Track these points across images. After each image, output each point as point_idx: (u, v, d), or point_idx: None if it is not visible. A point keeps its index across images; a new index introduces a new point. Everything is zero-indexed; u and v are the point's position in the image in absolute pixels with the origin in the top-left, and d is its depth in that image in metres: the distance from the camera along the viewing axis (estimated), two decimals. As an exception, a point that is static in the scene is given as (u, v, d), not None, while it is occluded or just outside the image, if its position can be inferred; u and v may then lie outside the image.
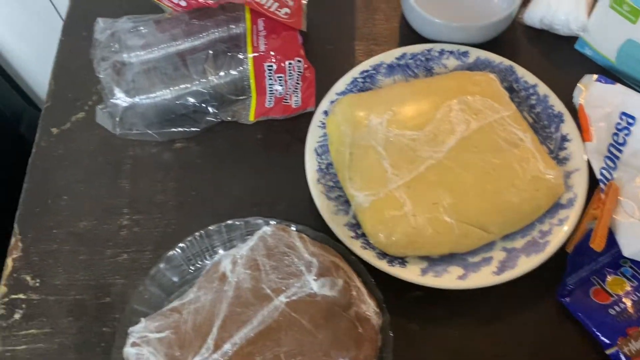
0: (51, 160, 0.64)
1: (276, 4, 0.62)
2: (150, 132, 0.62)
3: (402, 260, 0.55)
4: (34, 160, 0.64)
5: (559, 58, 0.69)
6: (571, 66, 0.68)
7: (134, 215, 0.61)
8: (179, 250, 0.55)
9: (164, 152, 0.64)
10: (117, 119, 0.62)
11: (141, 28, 0.63)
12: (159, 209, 0.61)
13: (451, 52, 0.65)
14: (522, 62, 0.65)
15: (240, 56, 0.62)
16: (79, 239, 0.60)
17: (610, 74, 0.66)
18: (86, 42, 0.71)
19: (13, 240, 0.60)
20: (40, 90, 1.44)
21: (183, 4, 0.63)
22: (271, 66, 0.62)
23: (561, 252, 0.55)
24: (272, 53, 0.61)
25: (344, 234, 0.55)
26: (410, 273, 0.54)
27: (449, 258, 0.55)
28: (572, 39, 0.68)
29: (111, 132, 0.63)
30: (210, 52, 0.61)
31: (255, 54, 0.62)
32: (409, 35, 0.70)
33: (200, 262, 0.56)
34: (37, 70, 1.40)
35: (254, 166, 0.63)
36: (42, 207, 0.61)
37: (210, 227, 0.56)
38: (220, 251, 0.56)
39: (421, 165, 0.56)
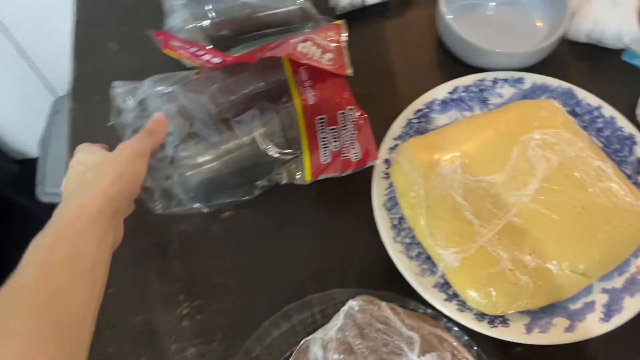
0: (87, 249, 0.57)
1: (319, 51, 0.56)
2: (196, 205, 0.56)
3: (503, 319, 0.51)
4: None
5: (608, 72, 0.66)
6: (623, 79, 0.65)
7: (193, 302, 0.54)
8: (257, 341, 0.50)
9: (213, 223, 0.58)
10: (157, 193, 0.56)
11: (170, 89, 0.57)
12: (220, 290, 0.55)
13: (505, 80, 0.61)
14: (572, 80, 0.62)
15: (288, 109, 0.56)
16: (137, 336, 0.53)
17: (666, 85, 0.63)
18: (101, 107, 0.65)
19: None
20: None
21: (216, 60, 0.56)
22: (322, 119, 0.56)
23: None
24: (321, 104, 0.56)
25: (436, 297, 0.51)
26: (516, 332, 0.50)
27: (550, 307, 0.52)
28: (619, 51, 0.66)
29: (150, 209, 0.56)
30: (257, 110, 0.56)
31: (304, 107, 0.56)
32: (450, 64, 0.66)
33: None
34: (9, 122, 1.30)
35: (314, 228, 0.58)
36: (87, 305, 0.54)
37: (285, 308, 0.51)
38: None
39: (508, 212, 0.52)
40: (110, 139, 0.63)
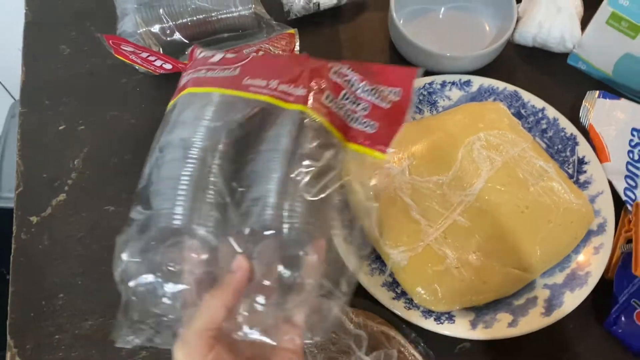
0: (37, 254, 0.57)
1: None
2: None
3: (449, 316, 0.52)
4: (16, 257, 0.57)
5: (553, 75, 0.68)
6: (567, 81, 0.67)
7: (145, 305, 0.54)
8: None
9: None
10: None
11: None
12: (173, 293, 0.55)
13: (453, 83, 0.63)
14: (518, 82, 0.64)
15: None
16: (88, 341, 0.53)
17: (608, 87, 0.66)
18: (51, 111, 0.64)
19: (8, 355, 0.52)
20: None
21: (168, 66, 0.57)
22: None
23: (601, 279, 0.54)
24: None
25: (384, 296, 0.52)
26: (461, 328, 0.51)
27: (494, 304, 0.53)
28: (564, 55, 0.68)
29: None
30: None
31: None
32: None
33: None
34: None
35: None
36: (37, 311, 0.54)
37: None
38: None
39: (454, 212, 0.53)
40: (61, 144, 0.63)
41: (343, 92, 0.43)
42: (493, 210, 0.53)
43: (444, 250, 0.52)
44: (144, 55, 0.57)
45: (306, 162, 0.40)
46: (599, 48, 0.63)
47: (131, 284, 0.42)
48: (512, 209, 0.53)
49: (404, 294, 0.53)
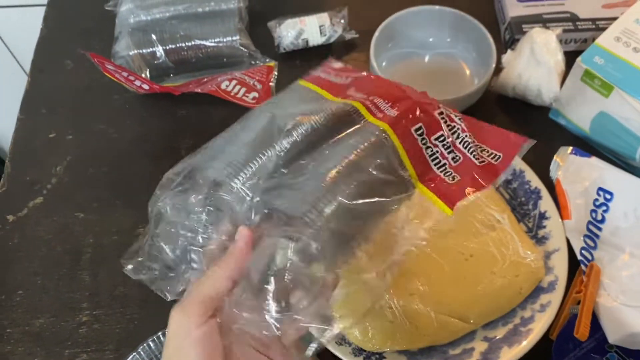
0: (6, 250, 0.60)
1: (243, 89, 0.58)
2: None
3: (380, 356, 0.52)
4: (-13, 252, 0.61)
5: (533, 127, 0.67)
6: (546, 136, 0.67)
7: (94, 311, 0.57)
8: (142, 353, 0.52)
9: (126, 238, 0.61)
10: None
11: None
12: (121, 302, 0.57)
13: (423, 126, 0.63)
14: (496, 132, 0.64)
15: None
16: (35, 338, 0.56)
17: (585, 144, 0.65)
18: (45, 120, 0.69)
19: (-38, 343, 0.56)
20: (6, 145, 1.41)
21: (145, 87, 0.60)
22: (420, 128, 0.42)
23: (545, 338, 0.52)
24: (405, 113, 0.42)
25: (316, 330, 0.52)
26: (389, 370, 0.51)
27: (429, 350, 0.52)
28: (546, 108, 0.67)
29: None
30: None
31: (391, 123, 0.42)
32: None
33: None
34: (2, 126, 1.37)
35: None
36: (-5, 304, 0.58)
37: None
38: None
39: (397, 252, 0.53)
40: (48, 151, 0.67)
41: (440, 133, 0.41)
42: (437, 255, 0.53)
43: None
44: (125, 74, 0.61)
45: (361, 176, 0.38)
46: (576, 104, 0.63)
47: (165, 218, 0.41)
48: (456, 255, 0.53)
49: (337, 329, 0.53)
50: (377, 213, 0.41)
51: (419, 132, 0.40)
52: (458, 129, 0.41)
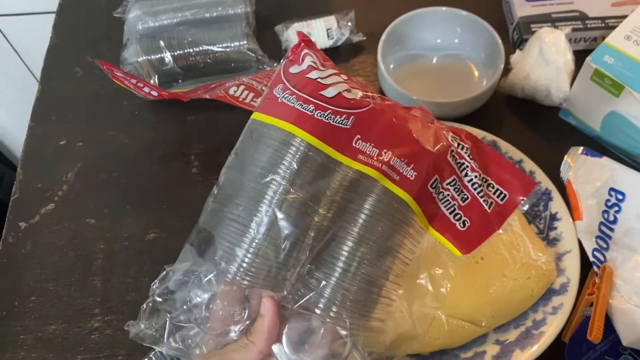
0: (18, 257, 0.61)
1: (251, 95, 0.56)
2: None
3: (390, 360, 0.51)
4: None
5: (544, 127, 0.67)
6: (557, 136, 0.66)
7: (105, 316, 0.57)
8: (153, 359, 0.52)
9: (136, 243, 0.61)
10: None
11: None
12: (133, 308, 0.58)
13: (432, 128, 0.63)
14: (506, 133, 0.64)
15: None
16: (48, 345, 0.56)
17: (596, 144, 0.64)
18: (56, 127, 0.70)
19: (-24, 349, 0.56)
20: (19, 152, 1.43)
21: (154, 93, 0.61)
22: (435, 182, 0.39)
23: (558, 341, 0.52)
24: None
25: (328, 333, 0.52)
26: (400, 374, 0.50)
27: (440, 354, 0.52)
28: (556, 108, 0.67)
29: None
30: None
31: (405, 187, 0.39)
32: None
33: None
34: (15, 132, 1.39)
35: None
36: (9, 311, 0.58)
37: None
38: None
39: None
40: (59, 158, 0.67)
41: (452, 178, 0.39)
42: (446, 256, 0.53)
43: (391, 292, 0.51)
44: (133, 81, 0.61)
45: (388, 261, 0.37)
46: (586, 104, 0.62)
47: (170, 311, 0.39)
48: (466, 258, 0.53)
49: (348, 333, 0.53)
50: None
51: (433, 186, 0.38)
52: (467, 167, 0.39)
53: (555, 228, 0.57)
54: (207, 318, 0.38)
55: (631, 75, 0.57)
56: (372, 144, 0.37)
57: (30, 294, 0.59)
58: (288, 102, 0.37)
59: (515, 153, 0.61)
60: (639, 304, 0.51)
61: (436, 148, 0.38)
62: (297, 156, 0.36)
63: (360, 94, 0.38)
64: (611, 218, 0.57)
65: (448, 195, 0.39)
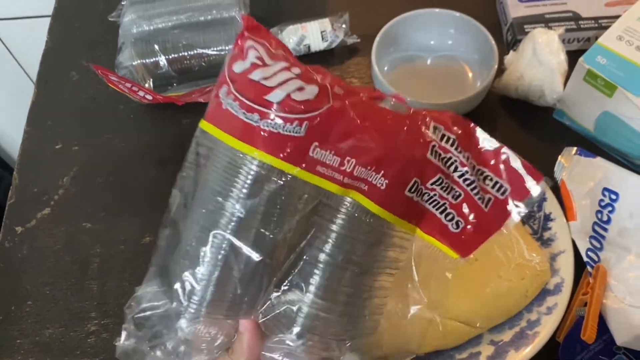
0: (15, 262, 0.61)
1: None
2: None
3: (385, 361, 0.52)
4: (-4, 263, 0.61)
5: (538, 128, 0.67)
6: (551, 136, 0.66)
7: (102, 320, 0.57)
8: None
9: (132, 247, 0.61)
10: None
11: None
12: (129, 311, 0.58)
13: (427, 130, 0.63)
14: (500, 133, 0.64)
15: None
16: (45, 349, 0.56)
17: (590, 144, 0.64)
18: (52, 131, 0.70)
19: (-27, 354, 0.56)
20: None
21: (149, 97, 0.61)
22: (414, 185, 0.35)
23: (552, 341, 0.52)
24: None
25: (323, 335, 0.53)
26: (395, 376, 0.51)
27: (435, 355, 0.52)
28: (550, 108, 0.67)
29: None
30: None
31: (376, 197, 0.35)
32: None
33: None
34: (12, 135, 1.39)
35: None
36: (5, 315, 0.58)
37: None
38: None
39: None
40: (55, 162, 0.68)
41: (437, 177, 0.34)
42: (441, 258, 0.53)
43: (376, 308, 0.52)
44: (128, 85, 0.61)
45: (367, 280, 0.35)
46: (579, 105, 0.62)
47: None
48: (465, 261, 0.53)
49: (343, 334, 0.53)
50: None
51: (413, 190, 0.34)
52: (455, 161, 0.34)
53: (549, 228, 0.57)
54: (185, 340, 0.37)
55: (624, 75, 0.57)
56: (333, 152, 0.32)
57: (26, 298, 0.59)
58: (232, 110, 0.33)
59: (509, 154, 0.61)
60: (633, 303, 0.51)
61: (411, 148, 0.33)
62: (250, 177, 0.32)
63: (316, 90, 0.32)
64: (605, 218, 0.57)
65: (435, 195, 0.35)
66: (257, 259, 0.33)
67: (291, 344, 0.34)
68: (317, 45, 0.71)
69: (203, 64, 0.67)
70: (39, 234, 0.63)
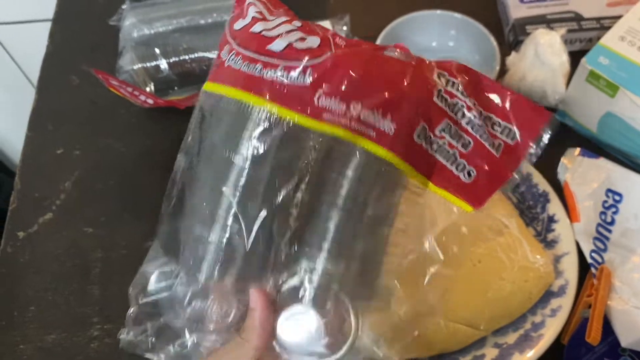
0: (17, 267, 0.61)
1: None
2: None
3: (389, 365, 0.51)
4: (-2, 269, 0.61)
5: (539, 129, 0.67)
6: (554, 137, 0.65)
7: (105, 325, 0.57)
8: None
9: (135, 251, 0.61)
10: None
11: None
12: (132, 316, 0.58)
13: (429, 132, 0.63)
14: (502, 135, 0.64)
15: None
16: (48, 354, 0.56)
17: (593, 145, 0.64)
18: (53, 136, 0.70)
19: (-25, 361, 0.56)
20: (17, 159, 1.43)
21: (150, 101, 0.61)
22: (421, 131, 0.34)
23: (557, 343, 0.52)
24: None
25: (327, 339, 0.52)
26: (399, 379, 0.50)
27: (438, 358, 0.52)
28: (552, 109, 0.67)
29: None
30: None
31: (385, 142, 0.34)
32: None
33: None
34: (13, 140, 1.39)
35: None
36: (8, 320, 0.58)
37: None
38: None
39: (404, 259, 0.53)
40: (56, 167, 0.68)
41: (444, 122, 0.33)
42: (444, 261, 0.53)
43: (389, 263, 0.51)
44: (129, 89, 0.61)
45: (382, 232, 0.33)
46: (582, 105, 0.62)
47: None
48: (464, 262, 0.53)
49: (347, 338, 0.53)
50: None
51: (422, 136, 0.33)
52: (462, 107, 0.33)
53: (553, 230, 0.57)
54: (196, 320, 0.36)
55: (626, 76, 0.57)
56: (338, 98, 0.32)
57: (29, 304, 0.59)
58: (234, 66, 0.33)
59: (511, 155, 0.61)
60: (638, 305, 0.51)
61: (417, 91, 0.32)
62: (256, 127, 0.32)
63: (317, 41, 0.32)
64: (608, 219, 0.57)
65: (444, 143, 0.33)
66: (267, 215, 0.32)
67: (304, 311, 0.33)
68: (318, 47, 0.71)
69: (204, 67, 0.67)
70: (41, 239, 0.63)
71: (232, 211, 0.32)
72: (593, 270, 0.54)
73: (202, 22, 0.69)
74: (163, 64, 0.66)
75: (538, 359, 0.50)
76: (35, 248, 0.62)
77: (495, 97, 0.34)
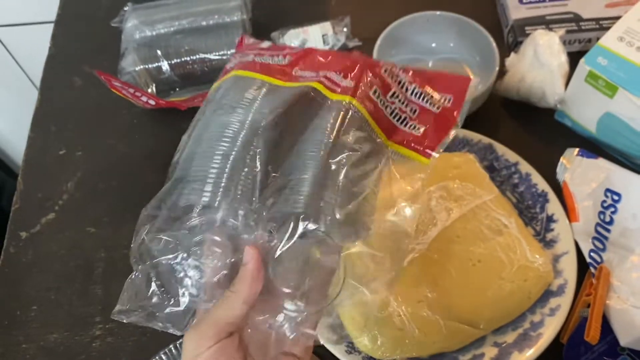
0: (20, 267, 0.61)
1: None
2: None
3: (389, 364, 0.52)
4: (1, 269, 0.62)
5: (539, 129, 0.67)
6: (553, 137, 0.66)
7: (107, 324, 0.58)
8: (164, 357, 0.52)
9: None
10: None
11: None
12: (134, 315, 0.58)
13: (428, 132, 0.64)
14: (503, 135, 0.64)
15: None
16: (50, 353, 0.57)
17: (592, 145, 0.64)
18: (55, 137, 0.70)
19: (-21, 359, 0.57)
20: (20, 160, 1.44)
21: (152, 102, 0.61)
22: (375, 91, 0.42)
23: (556, 342, 0.52)
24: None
25: (326, 337, 0.53)
26: (399, 378, 0.51)
27: (439, 357, 0.52)
28: (552, 109, 0.67)
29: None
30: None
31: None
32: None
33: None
34: (16, 141, 1.40)
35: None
36: (11, 320, 0.59)
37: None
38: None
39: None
40: (59, 167, 0.68)
41: (392, 90, 0.42)
42: (444, 261, 0.53)
43: (388, 296, 0.52)
44: (131, 90, 0.62)
45: (346, 154, 0.38)
46: (581, 106, 0.62)
47: (150, 262, 0.39)
48: (463, 261, 0.53)
49: (346, 336, 0.53)
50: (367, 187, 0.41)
51: (376, 95, 0.41)
52: (405, 81, 0.42)
53: (552, 230, 0.57)
54: (190, 277, 0.37)
55: (625, 76, 0.57)
56: (310, 69, 0.43)
57: (31, 303, 0.59)
58: (232, 65, 0.45)
59: (511, 155, 0.61)
60: (636, 304, 0.51)
61: (370, 64, 0.42)
62: (252, 89, 0.41)
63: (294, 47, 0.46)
64: (607, 219, 0.57)
65: (396, 108, 0.42)
66: (261, 150, 0.38)
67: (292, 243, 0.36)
68: (317, 47, 0.72)
69: (205, 68, 0.68)
70: (44, 239, 0.63)
71: (237, 143, 0.38)
72: (592, 269, 0.54)
73: (204, 23, 0.69)
74: (165, 65, 0.67)
75: (537, 358, 0.51)
76: (38, 248, 0.62)
77: (431, 76, 0.43)
